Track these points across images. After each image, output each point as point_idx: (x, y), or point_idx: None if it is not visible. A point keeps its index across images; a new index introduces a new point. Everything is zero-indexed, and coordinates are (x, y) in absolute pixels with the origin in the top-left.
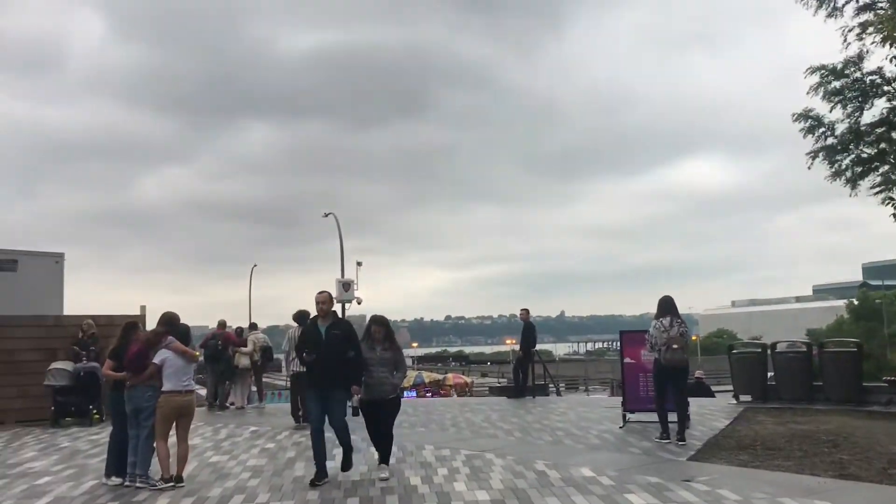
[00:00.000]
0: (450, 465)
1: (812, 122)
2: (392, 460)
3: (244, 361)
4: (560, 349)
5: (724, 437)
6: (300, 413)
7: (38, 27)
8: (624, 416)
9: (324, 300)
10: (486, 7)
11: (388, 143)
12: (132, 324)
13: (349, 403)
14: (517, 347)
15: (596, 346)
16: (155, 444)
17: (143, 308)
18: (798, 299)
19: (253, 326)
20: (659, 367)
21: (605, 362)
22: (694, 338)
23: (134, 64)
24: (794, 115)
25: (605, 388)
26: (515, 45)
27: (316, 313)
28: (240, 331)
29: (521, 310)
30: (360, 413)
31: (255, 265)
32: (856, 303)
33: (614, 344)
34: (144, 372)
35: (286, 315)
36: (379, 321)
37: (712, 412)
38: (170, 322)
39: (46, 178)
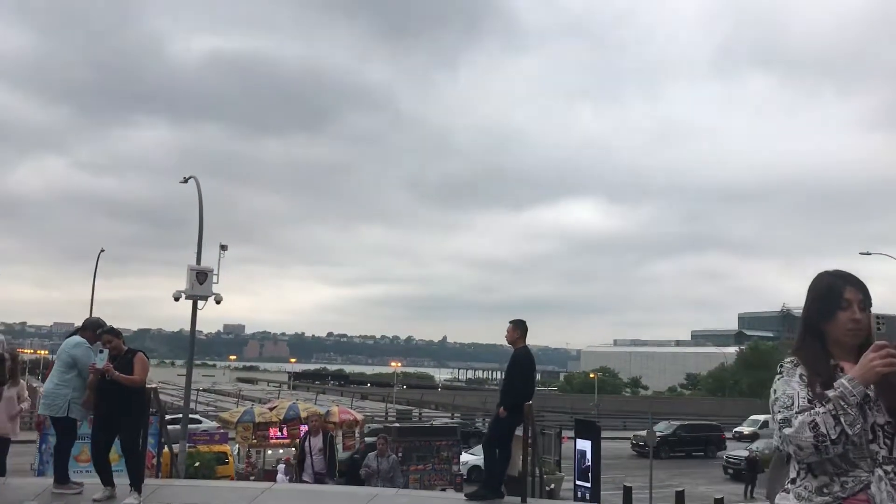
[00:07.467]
0: None
1: None
2: None
3: None
4: (442, 374)
5: None
6: None
7: None
8: None
9: None
10: (390, 39)
11: (283, 155)
12: None
13: None
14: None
15: (476, 374)
16: None
17: None
18: (678, 343)
19: None
20: None
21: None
22: (592, 375)
23: (18, 49)
24: None
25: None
26: (415, 78)
27: None
28: None
29: (510, 325)
30: None
31: (103, 250)
32: (744, 349)
33: (494, 374)
34: None
35: (159, 318)
36: None
37: None
38: None
39: None
